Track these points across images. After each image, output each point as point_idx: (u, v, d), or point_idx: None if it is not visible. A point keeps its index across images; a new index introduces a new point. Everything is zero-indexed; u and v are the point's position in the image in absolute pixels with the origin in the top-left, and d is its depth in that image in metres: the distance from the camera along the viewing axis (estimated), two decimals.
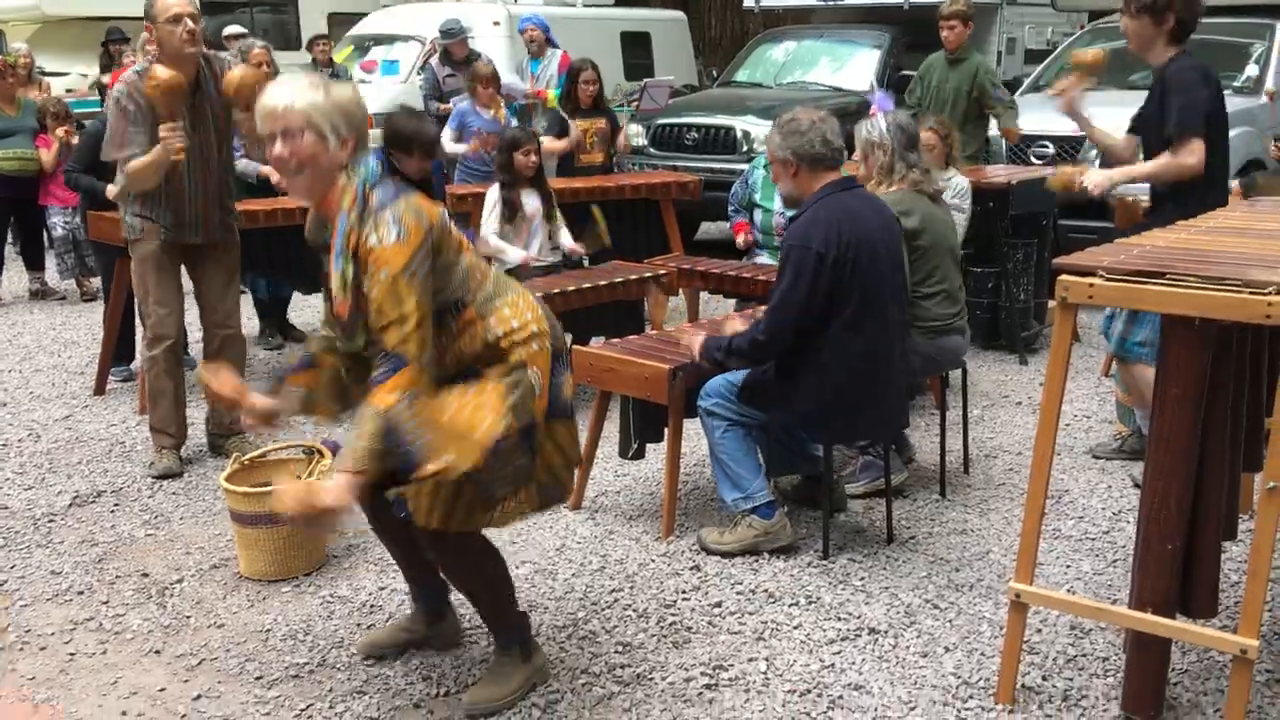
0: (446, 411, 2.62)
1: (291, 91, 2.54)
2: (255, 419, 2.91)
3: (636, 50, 14.55)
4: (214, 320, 4.68)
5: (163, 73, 4.10)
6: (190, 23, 4.18)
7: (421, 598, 3.22)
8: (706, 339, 3.73)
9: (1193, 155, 4.04)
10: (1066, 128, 7.29)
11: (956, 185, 5.39)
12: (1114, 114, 4.77)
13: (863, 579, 3.63)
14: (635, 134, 9.32)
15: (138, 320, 5.61)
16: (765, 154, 3.86)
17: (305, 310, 7.19)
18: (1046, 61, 9.34)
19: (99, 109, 10.42)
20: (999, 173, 6.46)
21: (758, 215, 5.75)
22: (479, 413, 2.63)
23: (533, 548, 3.87)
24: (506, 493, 2.70)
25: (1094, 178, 4.30)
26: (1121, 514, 4.10)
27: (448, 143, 7.44)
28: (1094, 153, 7.03)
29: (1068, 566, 3.72)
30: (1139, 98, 4.44)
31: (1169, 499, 2.60)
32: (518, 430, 2.66)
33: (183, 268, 4.64)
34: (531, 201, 5.65)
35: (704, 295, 6.40)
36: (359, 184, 2.58)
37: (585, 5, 14.29)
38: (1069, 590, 3.55)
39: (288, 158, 2.54)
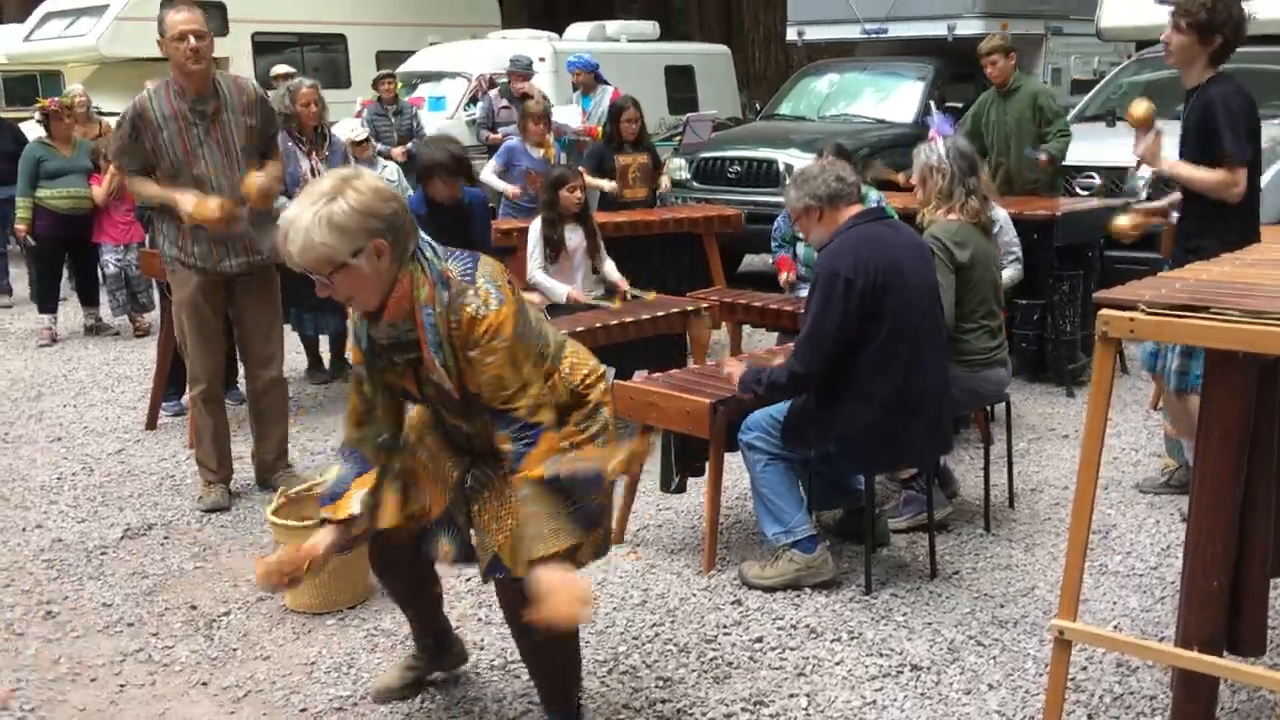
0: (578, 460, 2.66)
1: (300, 237, 2.42)
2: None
3: (680, 84, 14.65)
4: (256, 363, 4.73)
5: (196, 213, 4.26)
6: (194, 40, 4.26)
7: (426, 634, 3.18)
8: (745, 371, 3.74)
9: (1235, 185, 4.01)
10: (1112, 158, 7.26)
11: (999, 220, 5.36)
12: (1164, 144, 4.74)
13: (905, 614, 3.60)
14: (678, 168, 9.38)
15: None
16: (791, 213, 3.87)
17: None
18: (1093, 91, 9.29)
19: None
20: (1045, 204, 6.42)
21: (800, 249, 5.76)
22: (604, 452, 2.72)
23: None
24: (596, 524, 2.73)
25: (1157, 146, 4.23)
26: (1169, 549, 4.04)
27: (491, 176, 7.54)
28: (1141, 182, 6.97)
29: (1114, 603, 3.67)
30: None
31: (1213, 535, 2.56)
32: (598, 470, 2.72)
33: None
34: (575, 237, 5.70)
35: (746, 328, 6.41)
36: (431, 271, 2.54)
37: (629, 40, 14.43)
38: (1115, 627, 3.50)
39: (333, 292, 2.51)
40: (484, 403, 2.58)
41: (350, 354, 2.80)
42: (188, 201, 4.28)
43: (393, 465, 2.85)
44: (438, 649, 3.21)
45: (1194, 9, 4.02)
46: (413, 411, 2.92)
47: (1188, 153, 4.17)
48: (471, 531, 2.82)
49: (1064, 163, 7.06)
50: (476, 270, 2.55)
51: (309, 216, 2.41)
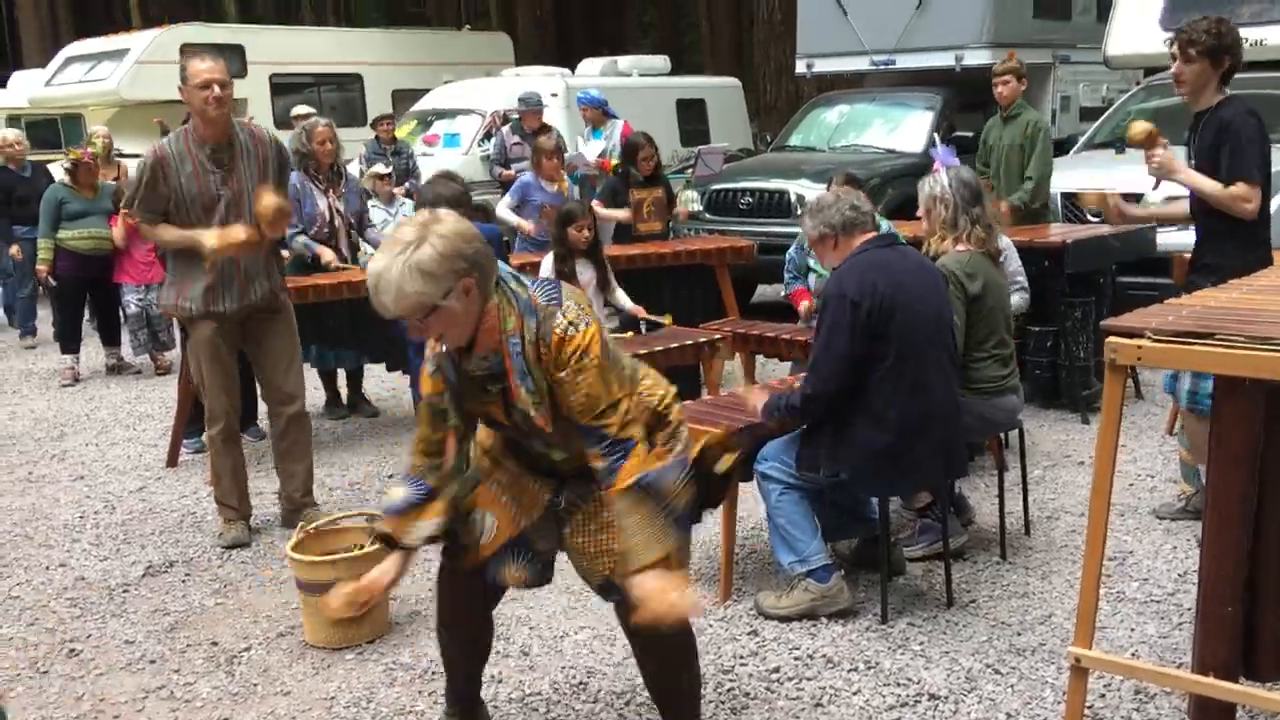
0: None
1: (391, 289, 2.45)
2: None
3: (691, 116, 14.77)
4: (277, 399, 4.77)
5: (221, 243, 4.33)
6: (218, 89, 4.33)
7: (463, 698, 3.15)
8: (770, 398, 3.80)
9: (1250, 202, 4.04)
10: (1122, 185, 7.29)
11: (1003, 248, 5.38)
12: None
13: (922, 643, 3.61)
14: (690, 199, 9.45)
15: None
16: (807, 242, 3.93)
17: (372, 379, 7.34)
18: (1102, 119, 9.34)
19: None
20: (1056, 231, 6.45)
21: (812, 280, 5.80)
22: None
23: (590, 613, 3.90)
24: (683, 540, 2.79)
25: (1166, 157, 4.23)
26: (1186, 575, 4.03)
27: (506, 212, 7.64)
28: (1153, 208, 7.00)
29: (1132, 630, 3.67)
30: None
31: (1226, 561, 2.57)
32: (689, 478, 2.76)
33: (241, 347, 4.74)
34: (585, 272, 5.75)
35: (760, 359, 6.44)
36: (518, 301, 2.58)
37: (641, 74, 14.56)
38: (1133, 654, 3.50)
39: (425, 332, 2.57)
40: (575, 423, 2.61)
41: (424, 385, 2.82)
42: (210, 236, 4.32)
43: (460, 492, 2.86)
44: (468, 715, 3.15)
45: (1200, 37, 4.07)
46: (481, 436, 2.92)
47: (1197, 170, 4.21)
48: (568, 552, 2.85)
49: (1035, 204, 7.18)
50: (561, 295, 2.61)
51: (399, 267, 2.45)
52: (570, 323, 2.55)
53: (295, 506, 4.83)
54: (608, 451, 2.56)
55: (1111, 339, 2.65)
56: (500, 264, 2.64)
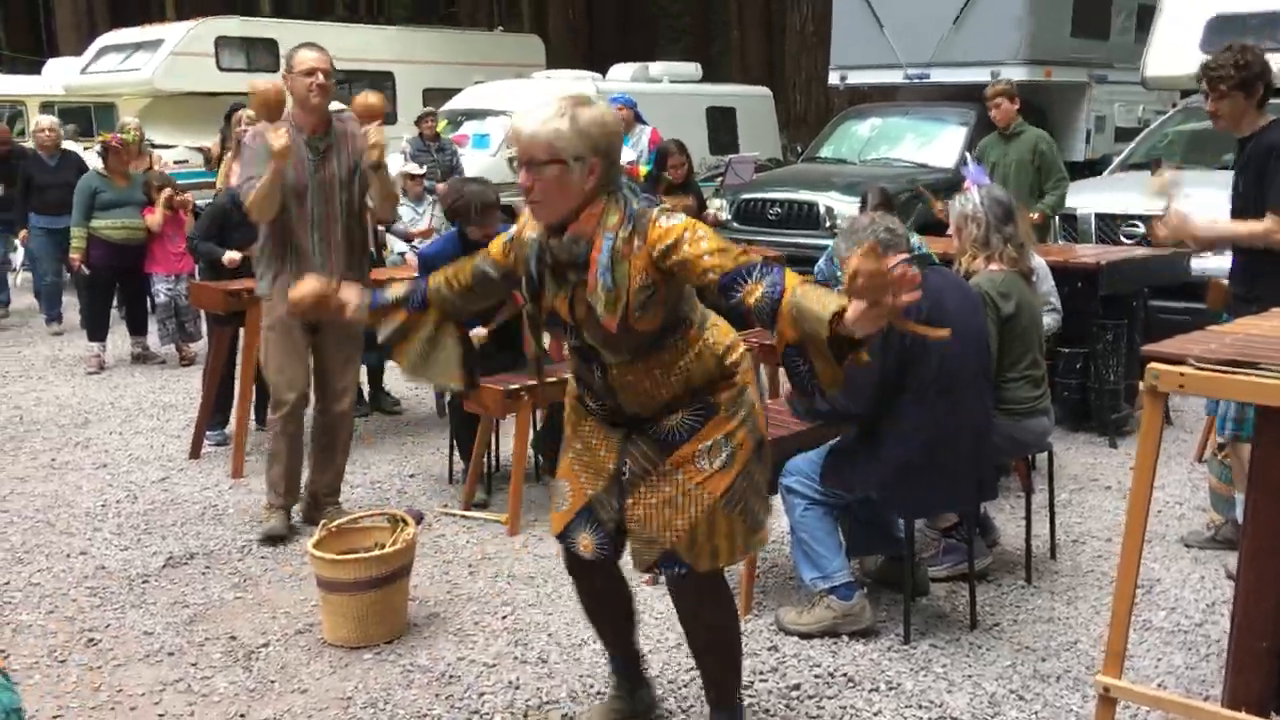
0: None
1: (537, 118, 2.55)
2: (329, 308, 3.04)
3: (721, 125, 14.76)
4: (330, 395, 4.75)
5: (260, 85, 4.36)
6: (321, 77, 4.37)
7: (623, 669, 3.21)
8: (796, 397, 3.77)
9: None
10: (1157, 206, 7.24)
11: (1037, 269, 5.34)
12: (1207, 194, 4.72)
13: (945, 666, 3.57)
14: (719, 208, 9.42)
15: (236, 385, 5.81)
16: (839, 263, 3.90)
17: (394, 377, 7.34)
18: (1137, 139, 9.27)
19: (207, 178, 10.85)
20: (1090, 253, 6.40)
21: None
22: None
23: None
24: (763, 509, 2.85)
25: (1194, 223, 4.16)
26: (1215, 606, 3.98)
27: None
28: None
29: (1159, 660, 3.61)
30: (1230, 178, 4.37)
31: (1262, 594, 2.52)
32: (755, 447, 2.81)
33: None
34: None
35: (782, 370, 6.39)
36: (626, 206, 2.61)
37: (672, 81, 14.56)
38: (1160, 685, 3.44)
39: (530, 187, 2.59)
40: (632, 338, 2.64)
41: (491, 247, 2.92)
42: (276, 137, 4.27)
43: (444, 322, 3.00)
44: (633, 682, 3.21)
45: (1228, 73, 4.03)
46: (570, 388, 2.96)
47: (1245, 198, 4.14)
48: (627, 526, 2.85)
49: (1061, 211, 7.35)
50: (657, 206, 2.66)
51: (555, 105, 2.54)
52: (667, 214, 2.60)
53: (318, 504, 4.82)
54: (762, 274, 2.47)
55: (1153, 365, 2.62)
56: (625, 176, 2.70)
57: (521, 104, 13.13)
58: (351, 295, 3.03)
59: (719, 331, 2.81)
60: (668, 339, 2.71)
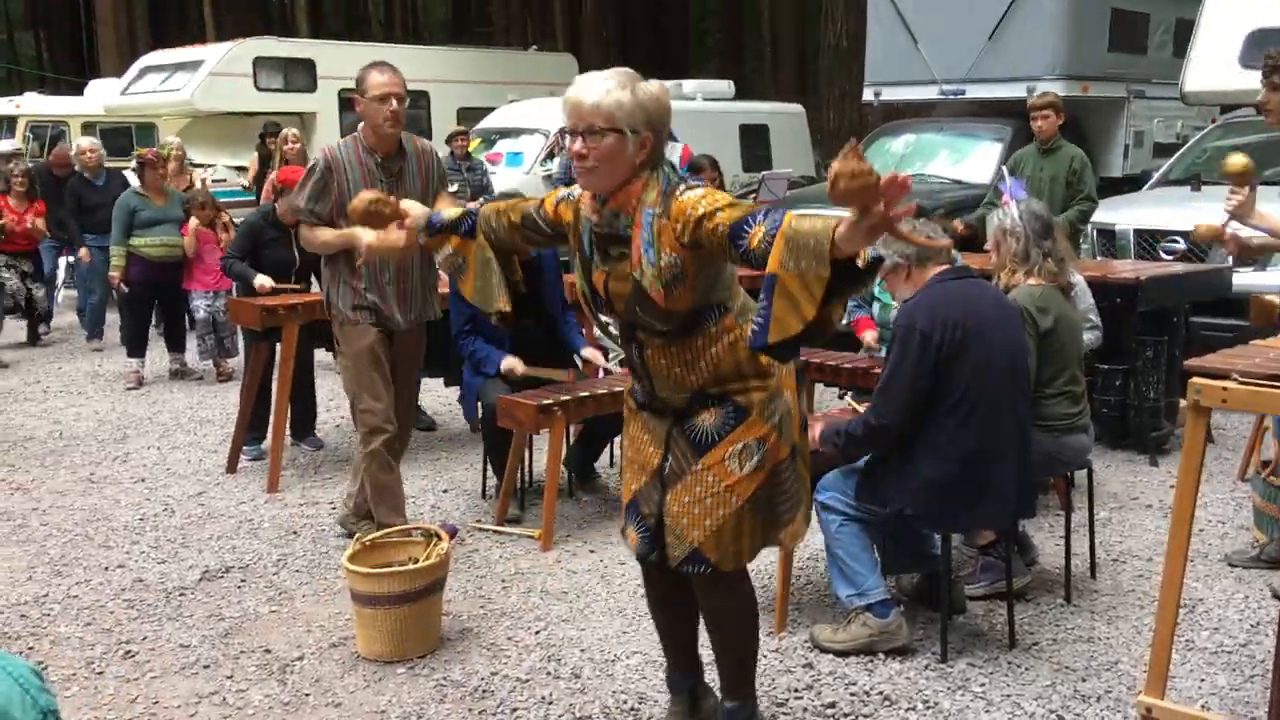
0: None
1: (599, 88, 2.58)
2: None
3: (754, 142, 14.77)
4: (398, 410, 4.61)
5: (380, 245, 4.05)
6: (395, 103, 4.24)
7: (683, 685, 3.19)
8: (824, 426, 3.73)
9: None
10: (1197, 223, 7.17)
11: (1076, 285, 5.29)
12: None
13: (983, 685, 3.52)
14: None
15: (273, 400, 5.85)
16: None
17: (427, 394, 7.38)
18: (1177, 155, 9.18)
19: (246, 197, 10.98)
20: (1129, 268, 6.33)
21: (876, 309, 5.72)
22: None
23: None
24: (789, 511, 2.86)
25: (1247, 206, 4.09)
26: (1260, 626, 3.91)
27: None
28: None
29: (1202, 680, 3.55)
30: (1272, 194, 4.32)
31: None
32: (790, 452, 2.82)
33: None
34: None
35: (819, 386, 6.36)
36: (663, 181, 2.64)
37: (705, 99, 14.58)
38: (1203, 706, 3.38)
39: (585, 154, 2.61)
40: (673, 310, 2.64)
41: (547, 201, 2.95)
42: (368, 234, 4.05)
43: (489, 250, 3.07)
44: (696, 694, 3.20)
45: None
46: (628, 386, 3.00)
47: None
48: (665, 518, 2.86)
49: (1100, 220, 7.39)
50: (682, 181, 2.67)
51: (621, 79, 2.61)
52: (688, 187, 2.62)
53: (361, 514, 4.76)
54: (765, 217, 2.45)
55: (1195, 380, 2.58)
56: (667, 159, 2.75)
57: (555, 122, 13.22)
58: (414, 208, 3.22)
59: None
60: (701, 323, 2.71)
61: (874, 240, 2.21)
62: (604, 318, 2.92)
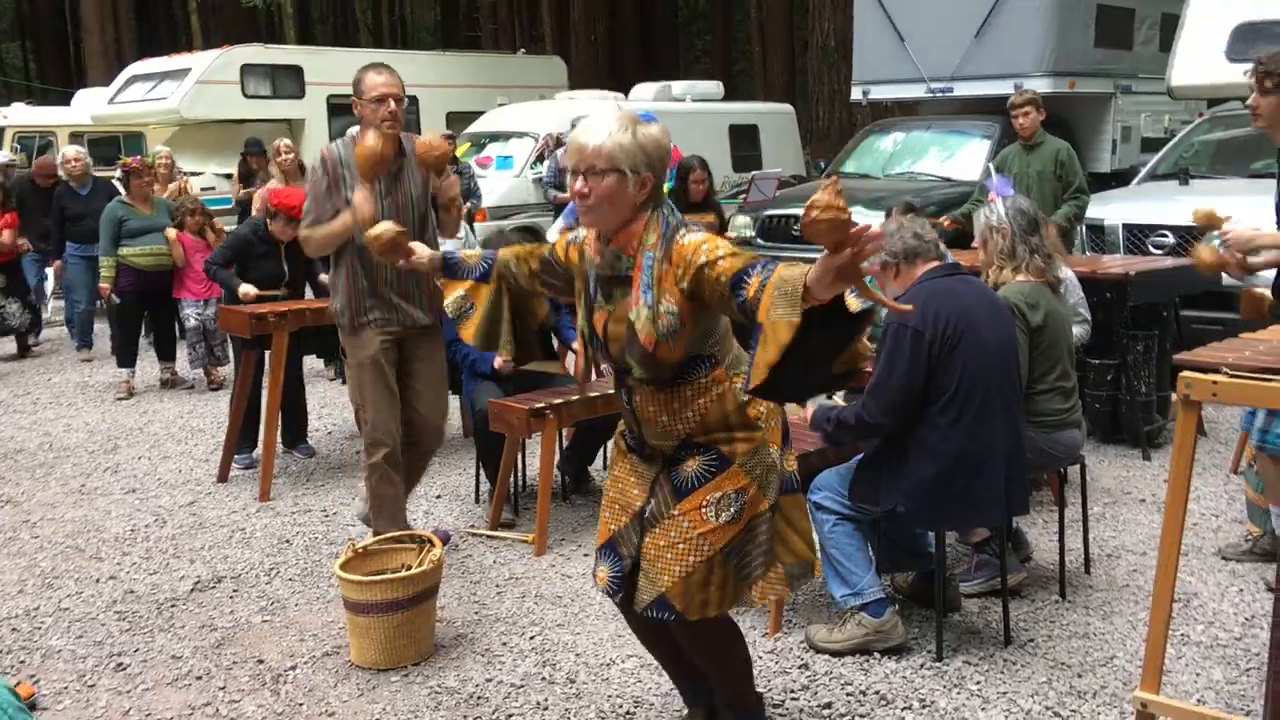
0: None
1: (602, 131, 2.63)
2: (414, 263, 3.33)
3: (744, 142, 14.76)
4: (425, 423, 4.53)
5: (371, 140, 4.13)
6: (393, 104, 4.22)
7: (698, 698, 3.19)
8: (817, 409, 3.73)
9: None
10: (1185, 217, 7.19)
11: (1066, 280, 5.28)
12: (1235, 202, 4.66)
13: (979, 683, 3.51)
14: (744, 225, 9.41)
15: (263, 408, 5.83)
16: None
17: None
18: (1164, 150, 9.19)
19: (228, 211, 10.93)
20: (1119, 263, 6.34)
21: None
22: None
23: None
24: (761, 566, 2.81)
25: (1238, 232, 4.07)
26: (1254, 619, 3.90)
27: (556, 235, 7.63)
28: (1216, 241, 6.88)
29: (1197, 674, 3.55)
30: (1259, 186, 4.32)
31: None
32: (769, 507, 2.79)
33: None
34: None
35: None
36: (664, 224, 2.67)
37: (694, 100, 14.58)
38: (1199, 700, 3.38)
39: (587, 194, 2.64)
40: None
41: (559, 244, 3.00)
42: (355, 208, 4.12)
43: (501, 295, 3.18)
44: (711, 711, 3.18)
45: (1277, 69, 3.97)
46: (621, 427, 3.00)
47: None
48: (641, 561, 2.85)
49: (1078, 223, 7.29)
50: (684, 225, 2.70)
51: (623, 121, 2.65)
52: (687, 231, 2.65)
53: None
54: (763, 269, 2.43)
55: (1185, 374, 2.58)
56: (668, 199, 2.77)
57: (545, 125, 13.21)
58: (422, 249, 3.31)
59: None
60: (692, 373, 2.72)
61: (844, 286, 2.20)
62: (601, 363, 2.93)
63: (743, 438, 2.76)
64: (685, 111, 14.00)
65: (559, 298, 3.18)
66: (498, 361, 5.10)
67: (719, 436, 2.76)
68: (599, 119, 2.67)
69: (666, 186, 8.24)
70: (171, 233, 7.88)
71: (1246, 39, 8.50)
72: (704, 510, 2.74)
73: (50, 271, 10.26)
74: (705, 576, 2.74)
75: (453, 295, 3.21)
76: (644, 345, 2.66)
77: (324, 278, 6.66)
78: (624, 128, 2.63)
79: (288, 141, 8.98)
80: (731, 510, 2.74)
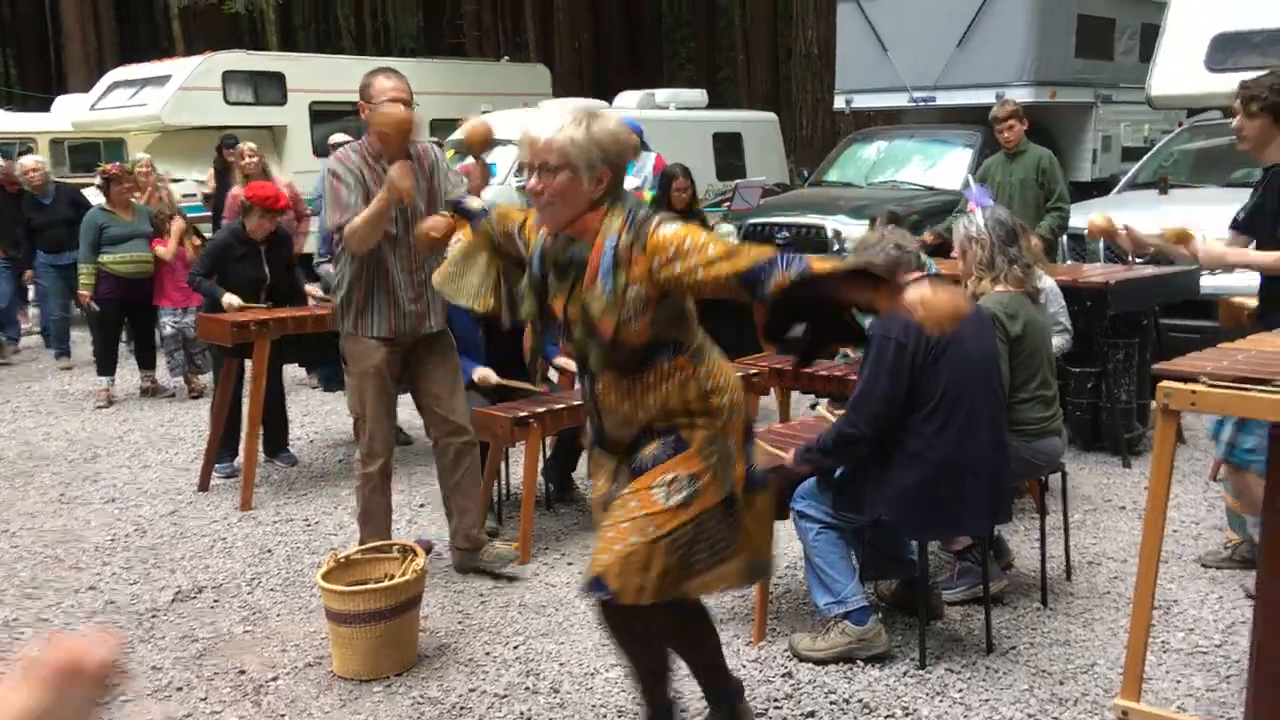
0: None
1: (554, 126, 2.60)
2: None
3: (728, 150, 14.78)
4: (445, 430, 4.48)
5: (389, 109, 4.10)
6: (402, 108, 4.18)
7: (723, 697, 3.14)
8: (799, 447, 3.72)
9: None
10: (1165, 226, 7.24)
11: (1046, 289, 5.31)
12: (1214, 211, 4.69)
13: (961, 690, 3.52)
14: (727, 233, 9.43)
15: (244, 417, 5.81)
16: None
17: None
18: (1144, 159, 9.26)
19: (205, 213, 10.88)
20: (1099, 272, 6.38)
21: None
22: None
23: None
24: (706, 562, 2.73)
25: (1209, 249, 4.13)
26: (1234, 626, 3.93)
27: None
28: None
29: (1178, 681, 3.56)
30: (1237, 195, 4.35)
31: None
32: (720, 501, 2.72)
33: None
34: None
35: (795, 394, 6.38)
36: (628, 211, 2.65)
37: (678, 108, 14.59)
38: (1179, 707, 3.40)
39: (540, 191, 2.61)
40: (633, 342, 2.64)
41: (519, 217, 2.98)
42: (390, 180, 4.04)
43: (486, 248, 3.11)
44: (730, 708, 3.14)
45: (1263, 93, 3.99)
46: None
47: (1263, 229, 4.10)
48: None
49: (1062, 233, 7.37)
50: (658, 215, 2.67)
51: (574, 114, 2.62)
52: (666, 222, 2.61)
53: (474, 545, 4.57)
54: (788, 262, 2.47)
55: (1165, 383, 2.59)
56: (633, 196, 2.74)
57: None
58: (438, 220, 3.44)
59: (716, 371, 2.77)
60: (655, 358, 2.69)
61: (879, 310, 2.41)
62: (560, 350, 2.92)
63: (704, 424, 2.72)
64: (669, 119, 14.01)
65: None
66: (476, 375, 5.08)
67: (680, 421, 2.72)
68: (552, 113, 2.64)
69: (650, 195, 8.31)
70: (170, 249, 7.84)
71: (1225, 49, 8.58)
72: (654, 491, 2.67)
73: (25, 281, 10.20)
74: (645, 560, 2.64)
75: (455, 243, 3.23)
76: (603, 330, 2.63)
77: (312, 288, 6.67)
78: (577, 121, 2.60)
79: (252, 145, 8.95)
80: (683, 494, 2.67)
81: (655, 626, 2.85)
